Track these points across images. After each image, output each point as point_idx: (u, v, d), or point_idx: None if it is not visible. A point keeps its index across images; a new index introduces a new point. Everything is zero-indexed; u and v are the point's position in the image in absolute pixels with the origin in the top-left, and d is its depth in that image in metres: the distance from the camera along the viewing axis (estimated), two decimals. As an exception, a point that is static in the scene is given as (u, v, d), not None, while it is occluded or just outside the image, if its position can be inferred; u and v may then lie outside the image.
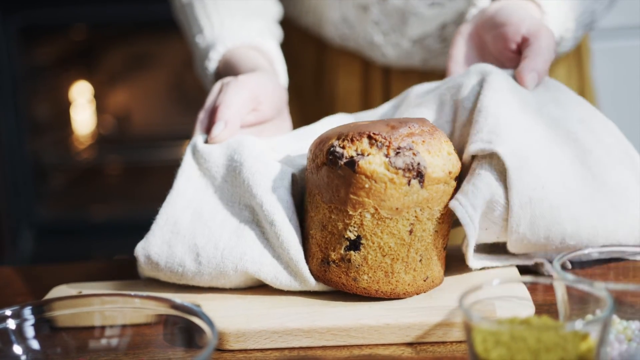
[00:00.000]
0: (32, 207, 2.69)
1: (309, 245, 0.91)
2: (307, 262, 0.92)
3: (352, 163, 0.85)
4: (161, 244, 0.95)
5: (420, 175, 0.85)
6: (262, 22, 1.19)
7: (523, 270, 0.98)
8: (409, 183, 0.85)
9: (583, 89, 1.38)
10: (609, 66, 1.97)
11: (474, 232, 0.90)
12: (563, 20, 1.12)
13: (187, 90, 2.94)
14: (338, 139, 0.87)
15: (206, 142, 1.01)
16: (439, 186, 0.87)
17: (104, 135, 2.96)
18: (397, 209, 0.86)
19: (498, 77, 0.98)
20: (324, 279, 0.90)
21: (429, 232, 0.88)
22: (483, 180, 0.90)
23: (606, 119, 1.01)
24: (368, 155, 0.85)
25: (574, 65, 1.36)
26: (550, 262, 0.95)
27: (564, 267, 0.82)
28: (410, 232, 0.87)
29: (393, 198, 0.85)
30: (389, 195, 0.85)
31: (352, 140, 0.86)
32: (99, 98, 2.94)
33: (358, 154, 0.85)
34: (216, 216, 0.96)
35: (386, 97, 1.32)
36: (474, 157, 0.94)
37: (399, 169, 0.85)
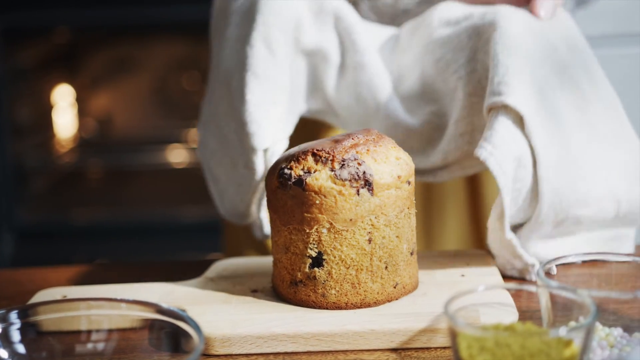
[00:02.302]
0: (13, 210, 2.68)
1: (277, 270, 0.92)
2: (278, 286, 0.92)
3: (300, 182, 0.87)
4: None
5: (368, 184, 0.87)
6: None
7: (507, 276, 0.99)
8: (358, 193, 0.87)
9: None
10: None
11: (506, 183, 0.93)
12: None
13: (169, 94, 2.93)
14: (285, 161, 0.89)
15: None
16: (390, 191, 0.88)
17: (85, 139, 2.95)
18: (351, 220, 0.87)
19: (510, 21, 0.99)
20: (295, 300, 0.91)
21: (389, 238, 0.89)
22: (500, 123, 0.94)
23: (604, 75, 1.04)
24: (315, 171, 0.87)
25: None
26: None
27: (548, 273, 0.83)
28: (369, 240, 0.88)
29: (345, 210, 0.87)
30: (340, 207, 0.87)
31: (298, 160, 0.88)
32: (81, 101, 2.93)
33: (305, 172, 0.87)
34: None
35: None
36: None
37: (345, 180, 0.86)
